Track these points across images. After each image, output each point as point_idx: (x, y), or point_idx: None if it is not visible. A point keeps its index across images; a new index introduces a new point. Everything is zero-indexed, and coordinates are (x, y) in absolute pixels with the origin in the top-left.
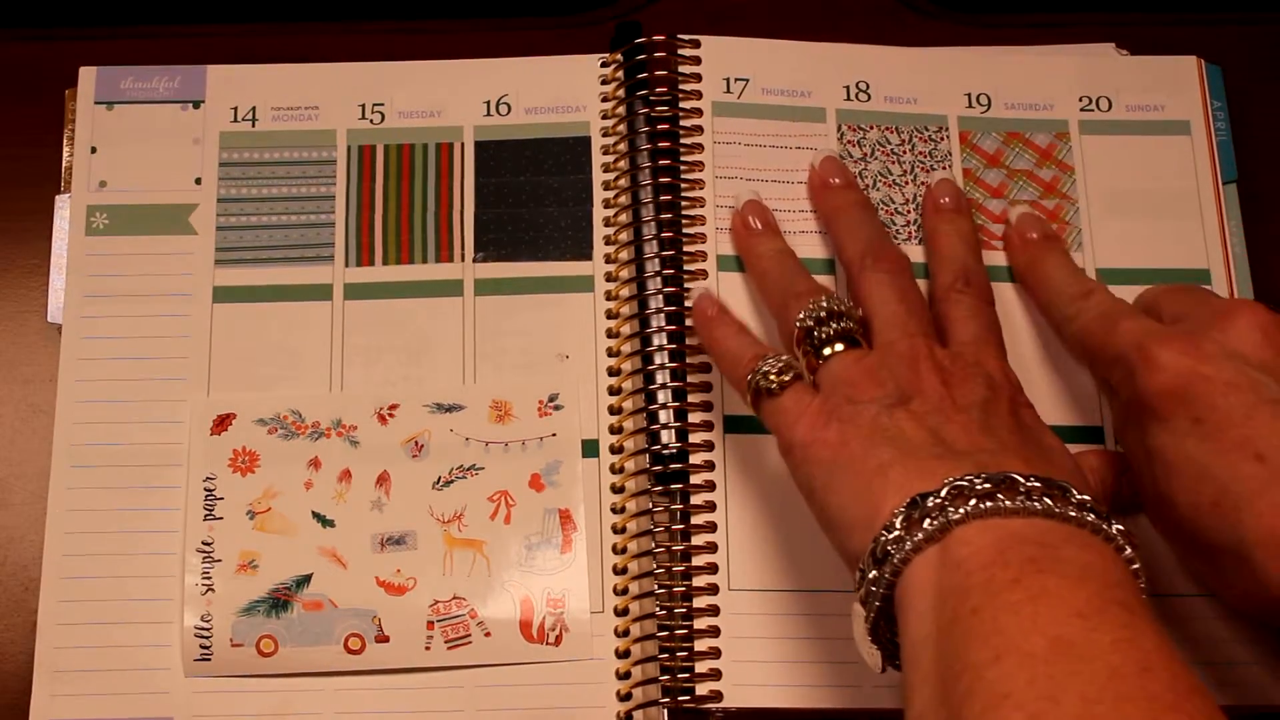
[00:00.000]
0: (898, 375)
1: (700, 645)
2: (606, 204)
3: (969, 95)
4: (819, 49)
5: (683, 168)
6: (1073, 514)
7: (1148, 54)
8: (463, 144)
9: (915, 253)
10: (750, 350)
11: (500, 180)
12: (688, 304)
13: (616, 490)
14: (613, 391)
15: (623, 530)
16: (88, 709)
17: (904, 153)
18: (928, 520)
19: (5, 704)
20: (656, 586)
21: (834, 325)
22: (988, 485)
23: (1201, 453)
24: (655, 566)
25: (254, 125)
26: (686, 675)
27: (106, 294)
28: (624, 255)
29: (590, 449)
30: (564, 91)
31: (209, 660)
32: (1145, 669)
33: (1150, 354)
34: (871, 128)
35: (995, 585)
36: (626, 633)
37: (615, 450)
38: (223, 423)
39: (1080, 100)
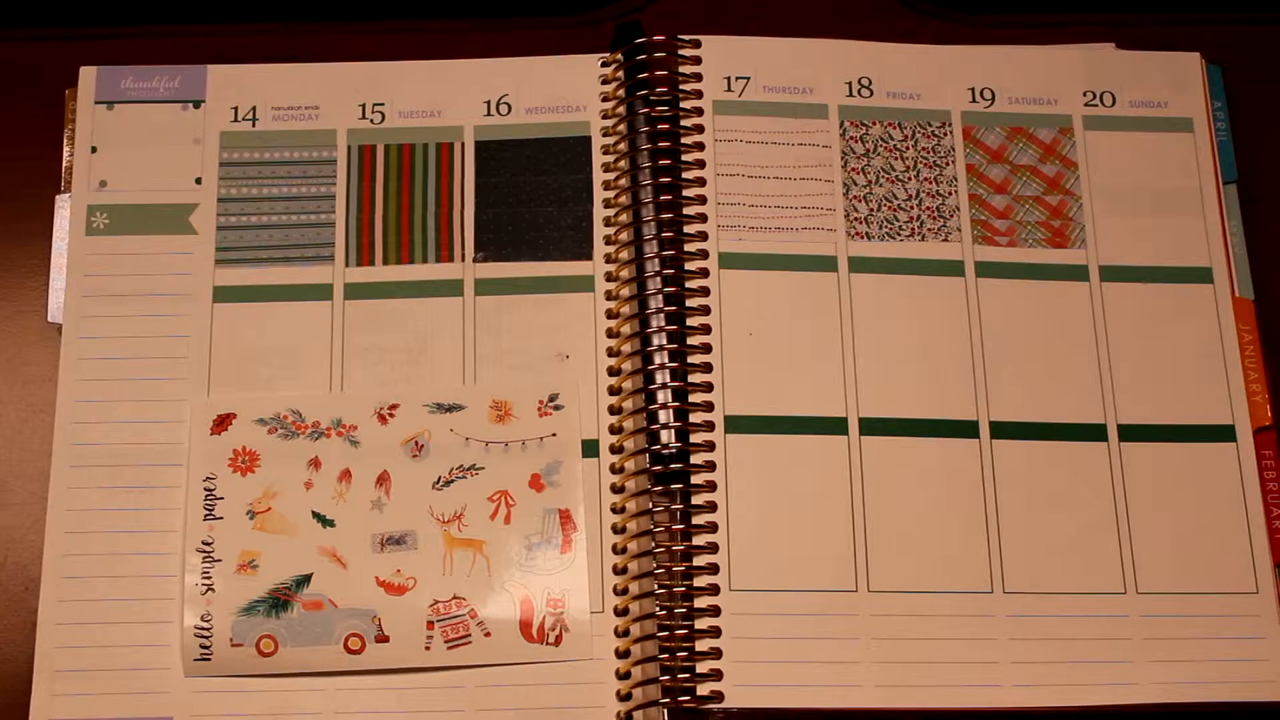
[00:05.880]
0: None
1: (701, 645)
2: (606, 204)
3: (973, 90)
4: (821, 45)
5: (683, 167)
6: None
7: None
8: (463, 144)
9: (918, 250)
10: None
11: (500, 180)
12: (688, 304)
13: (616, 490)
14: (613, 391)
15: (623, 530)
16: (88, 709)
17: (907, 149)
18: None
19: (5, 704)
20: (656, 586)
21: None
22: None
23: None
24: (655, 566)
25: (254, 125)
26: (687, 675)
27: (106, 294)
28: (624, 255)
29: (590, 449)
30: (564, 91)
31: (209, 660)
32: None
33: None
34: (874, 124)
35: None
36: (626, 633)
37: (615, 450)
38: (223, 423)
39: (1084, 95)
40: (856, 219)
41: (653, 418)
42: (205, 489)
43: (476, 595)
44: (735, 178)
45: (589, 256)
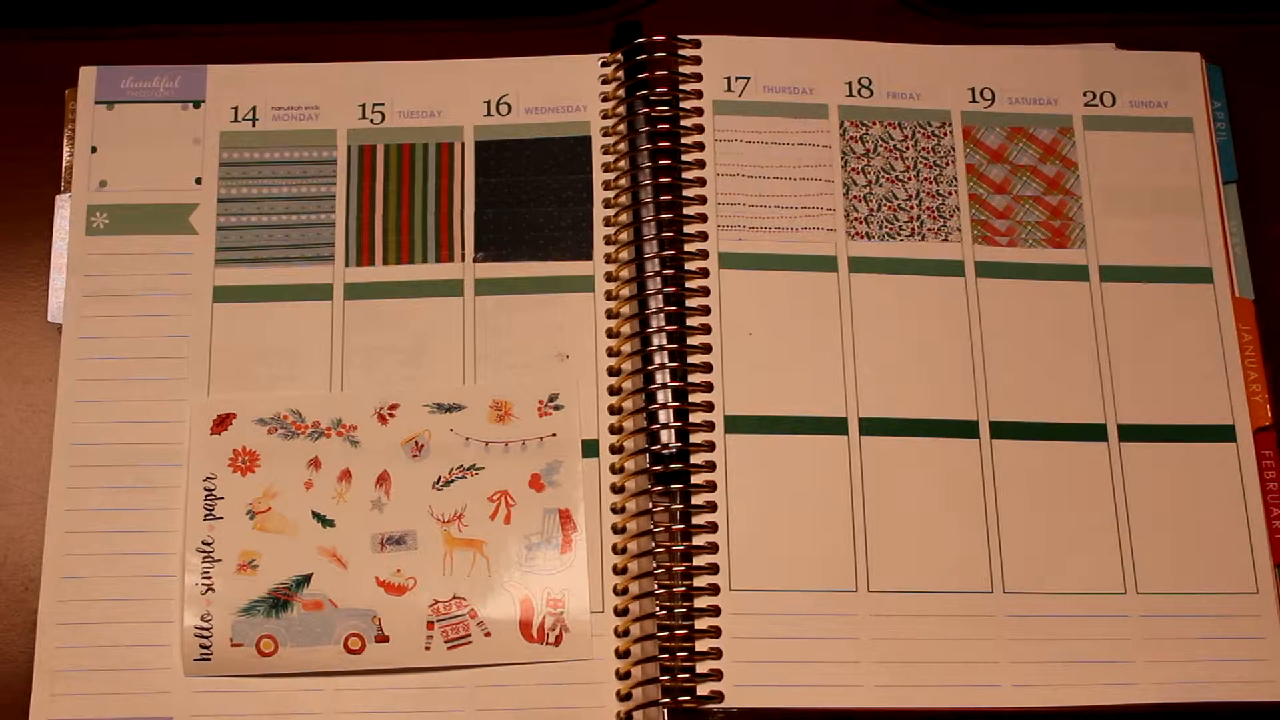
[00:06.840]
0: None
1: (701, 645)
2: (606, 204)
3: (973, 90)
4: (821, 45)
5: (683, 167)
6: None
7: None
8: (463, 144)
9: (917, 250)
10: None
11: (500, 180)
12: (688, 303)
13: (616, 490)
14: (613, 391)
15: (623, 530)
16: (88, 709)
17: (907, 149)
18: None
19: (5, 704)
20: (656, 586)
21: None
22: None
23: None
24: (655, 566)
25: (254, 125)
26: (687, 675)
27: (106, 294)
28: (624, 255)
29: (590, 449)
30: (564, 91)
31: (209, 660)
32: None
33: None
34: (874, 124)
35: None
36: (626, 633)
37: (615, 450)
38: (223, 423)
39: (1084, 95)
40: (856, 219)
41: (653, 418)
42: (205, 489)
43: (476, 595)
44: (735, 178)
45: (589, 256)
